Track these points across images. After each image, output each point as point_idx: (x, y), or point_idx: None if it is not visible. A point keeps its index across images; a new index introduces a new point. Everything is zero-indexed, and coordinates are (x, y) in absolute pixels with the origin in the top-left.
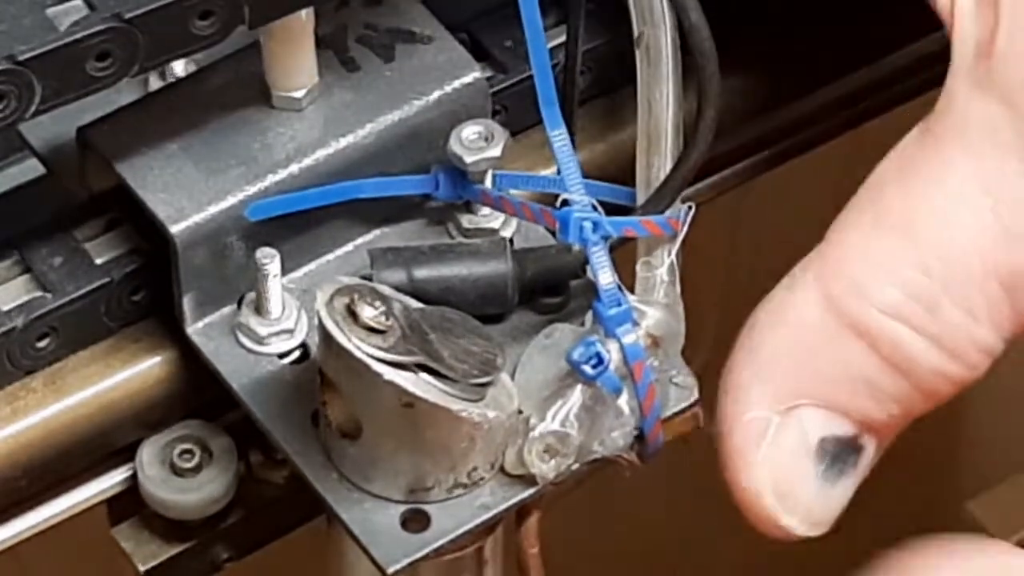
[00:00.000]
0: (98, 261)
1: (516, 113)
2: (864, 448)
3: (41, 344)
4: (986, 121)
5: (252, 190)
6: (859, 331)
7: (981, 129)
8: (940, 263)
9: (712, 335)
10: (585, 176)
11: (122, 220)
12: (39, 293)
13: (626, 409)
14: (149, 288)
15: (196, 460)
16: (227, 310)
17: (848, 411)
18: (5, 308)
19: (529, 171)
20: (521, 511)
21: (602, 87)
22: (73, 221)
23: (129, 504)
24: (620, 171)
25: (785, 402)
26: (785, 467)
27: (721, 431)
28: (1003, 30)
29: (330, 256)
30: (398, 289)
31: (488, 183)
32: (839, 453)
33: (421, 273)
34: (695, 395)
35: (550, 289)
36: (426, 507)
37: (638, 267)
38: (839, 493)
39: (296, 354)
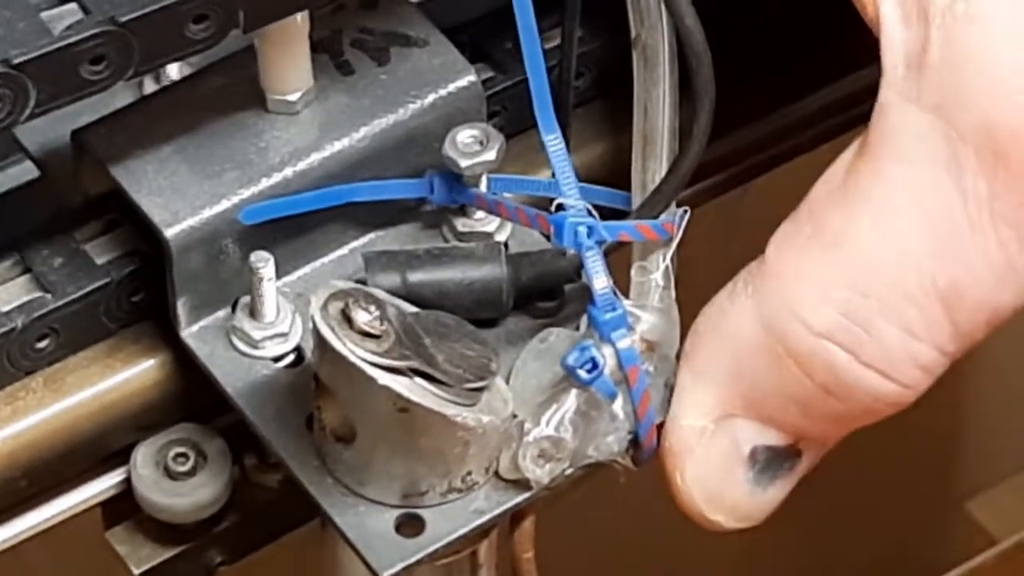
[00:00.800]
0: (98, 262)
1: (516, 114)
2: (802, 454)
3: (41, 345)
4: (919, 134)
5: (247, 193)
6: (792, 354)
7: (914, 142)
8: (875, 281)
9: None
10: (580, 180)
11: (122, 221)
12: (39, 294)
13: (621, 414)
14: (149, 289)
15: (190, 463)
16: (221, 314)
17: (781, 425)
18: (5, 309)
19: (528, 172)
20: (515, 515)
21: (601, 89)
22: (73, 222)
23: (123, 507)
24: (616, 175)
25: (718, 411)
26: (715, 473)
27: (666, 427)
28: (934, 42)
29: (325, 260)
30: (392, 293)
31: (483, 187)
32: (771, 461)
33: (415, 277)
34: None
35: (545, 293)
36: (420, 511)
37: (633, 271)
38: (771, 495)
39: (290, 358)
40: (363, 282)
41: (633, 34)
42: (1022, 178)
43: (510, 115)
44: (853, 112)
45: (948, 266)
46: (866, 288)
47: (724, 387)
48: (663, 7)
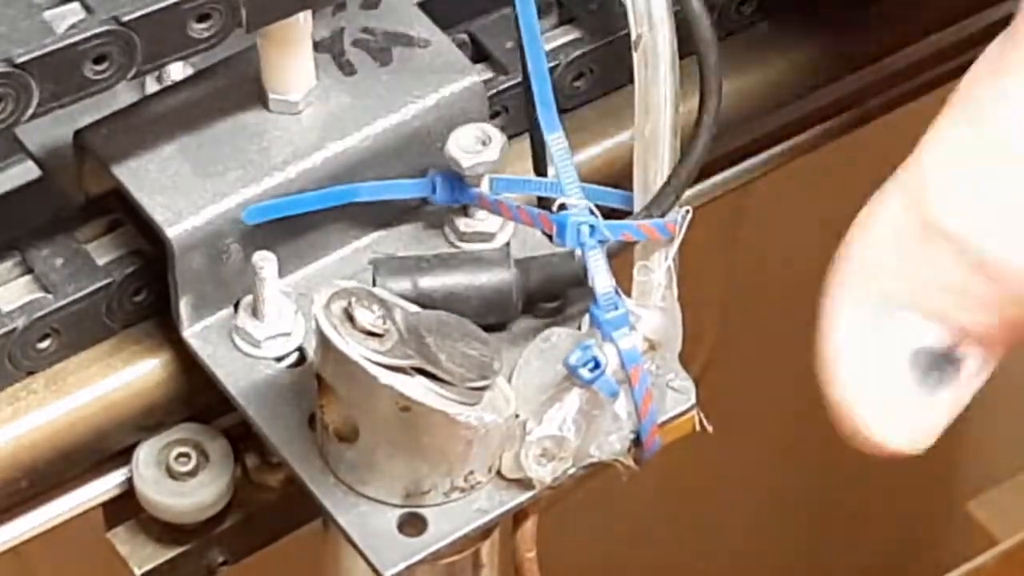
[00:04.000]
0: (100, 262)
1: (518, 114)
2: (964, 359)
3: (42, 345)
4: None
5: (249, 193)
6: (946, 236)
7: None
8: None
9: (711, 339)
10: (583, 179)
11: (124, 221)
12: (40, 294)
13: (623, 413)
14: (151, 289)
15: (192, 463)
16: (224, 313)
17: (942, 317)
18: (6, 309)
19: (529, 172)
20: (518, 515)
21: (602, 89)
22: (75, 222)
23: (125, 508)
24: (618, 174)
25: (877, 310)
26: (880, 376)
27: (816, 343)
28: None
29: (327, 259)
30: (402, 298)
31: (485, 187)
32: (935, 361)
33: (426, 282)
34: (692, 399)
35: (551, 295)
36: (423, 511)
37: (635, 271)
38: (941, 402)
39: (293, 357)
40: (366, 282)
41: (634, 35)
42: None
43: (512, 115)
44: (858, 110)
45: None
46: (1016, 176)
47: (881, 282)
48: (664, 5)
